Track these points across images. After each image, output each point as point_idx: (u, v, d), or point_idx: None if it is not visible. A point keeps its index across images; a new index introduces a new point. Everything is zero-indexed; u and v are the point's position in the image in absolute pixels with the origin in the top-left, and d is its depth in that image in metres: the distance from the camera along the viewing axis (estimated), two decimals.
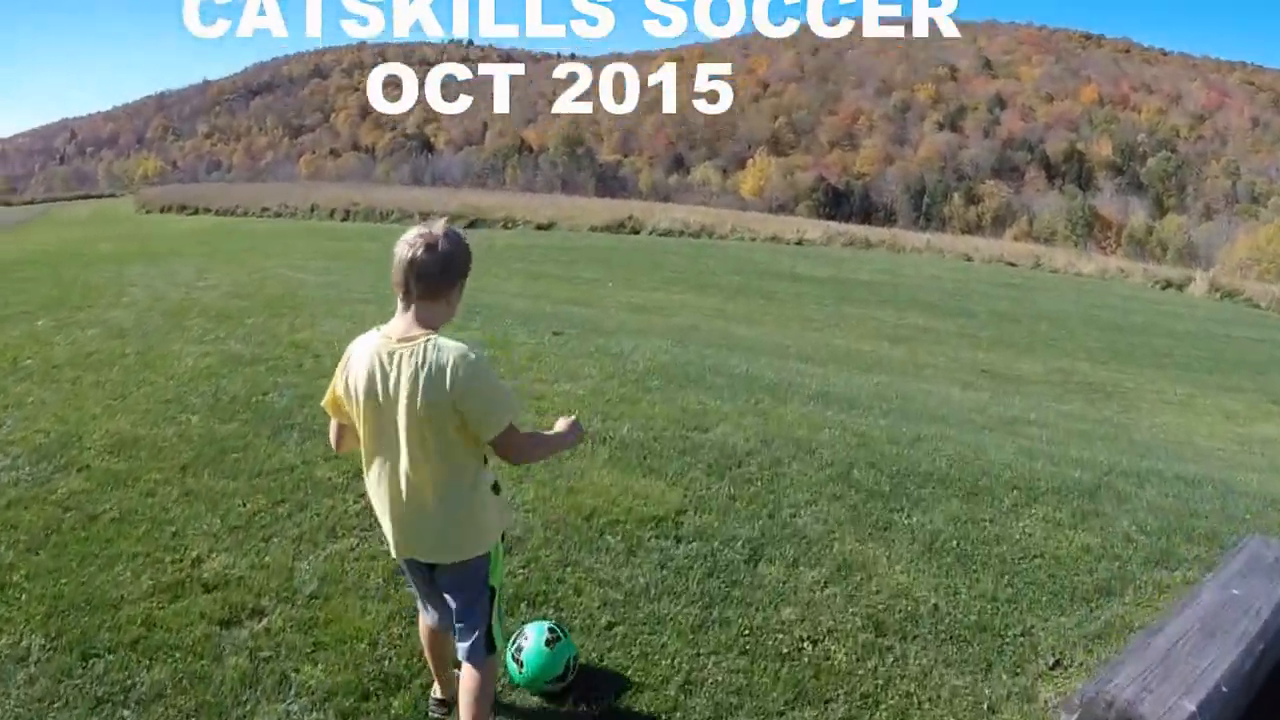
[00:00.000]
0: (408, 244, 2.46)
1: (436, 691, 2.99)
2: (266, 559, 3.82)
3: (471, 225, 32.69)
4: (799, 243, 32.81)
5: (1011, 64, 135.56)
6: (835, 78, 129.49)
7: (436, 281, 2.46)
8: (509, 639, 3.03)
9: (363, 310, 9.59)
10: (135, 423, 5.62)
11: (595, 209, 37.61)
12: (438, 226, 2.49)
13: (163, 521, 4.23)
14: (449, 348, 2.43)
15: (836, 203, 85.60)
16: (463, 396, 2.41)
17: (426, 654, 2.98)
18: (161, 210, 37.74)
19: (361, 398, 2.50)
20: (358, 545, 3.90)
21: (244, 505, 4.32)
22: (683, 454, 5.12)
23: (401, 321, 2.50)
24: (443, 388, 2.40)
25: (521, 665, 3.04)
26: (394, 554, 2.68)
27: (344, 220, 33.21)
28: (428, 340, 2.44)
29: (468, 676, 2.68)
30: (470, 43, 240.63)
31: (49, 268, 13.61)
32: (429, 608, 2.84)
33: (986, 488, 5.02)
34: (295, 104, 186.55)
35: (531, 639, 3.06)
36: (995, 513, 4.68)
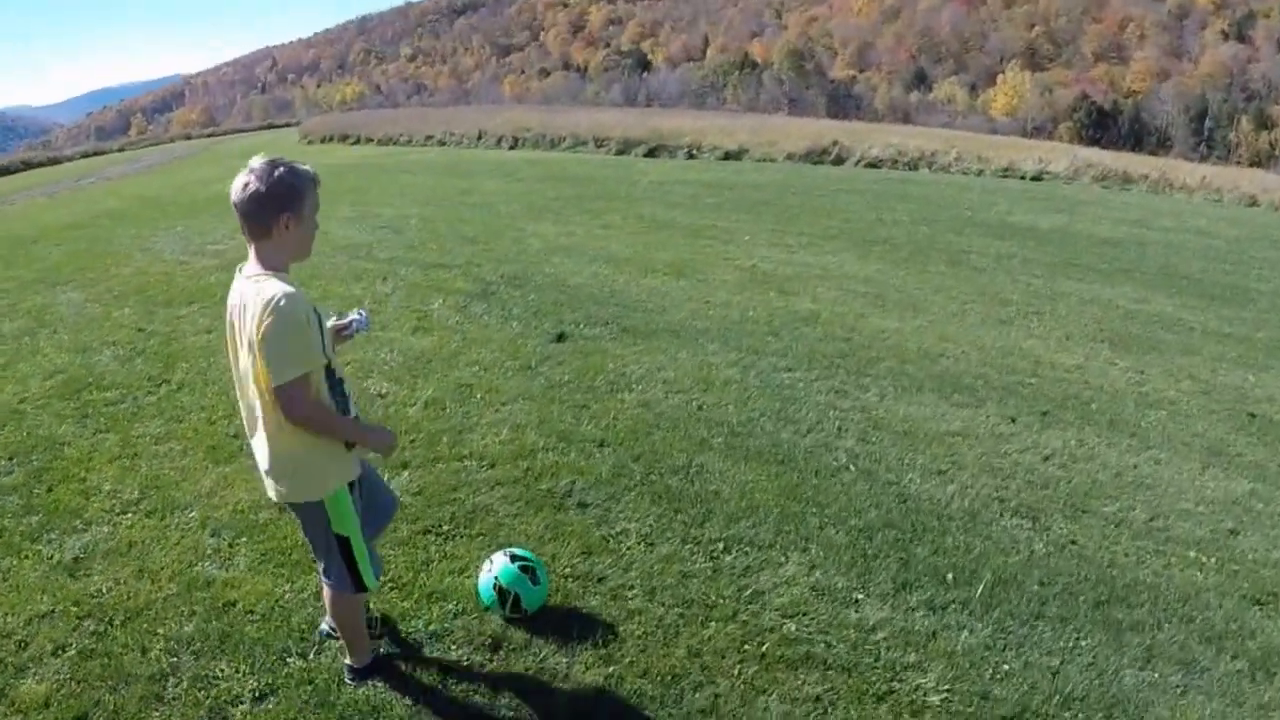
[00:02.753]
0: (232, 188, 2.44)
1: (348, 664, 2.94)
2: None
3: (651, 154, 29.86)
4: (1036, 177, 27.23)
5: None
6: None
7: (255, 220, 2.43)
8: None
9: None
10: None
11: (799, 132, 33.35)
12: (255, 162, 2.44)
13: None
14: (267, 291, 2.38)
15: (1102, 125, 74.51)
16: (260, 340, 2.39)
17: (342, 627, 2.91)
18: (323, 140, 36.68)
19: (227, 331, 2.57)
20: None
21: None
22: None
23: (250, 261, 2.50)
24: (253, 328, 2.41)
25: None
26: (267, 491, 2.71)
27: (511, 148, 30.92)
28: (261, 279, 2.43)
29: (333, 603, 2.79)
30: None
31: (113, 224, 12.69)
32: (325, 576, 2.82)
33: None
34: (502, 23, 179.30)
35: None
36: None
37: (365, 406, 5.09)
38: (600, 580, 3.37)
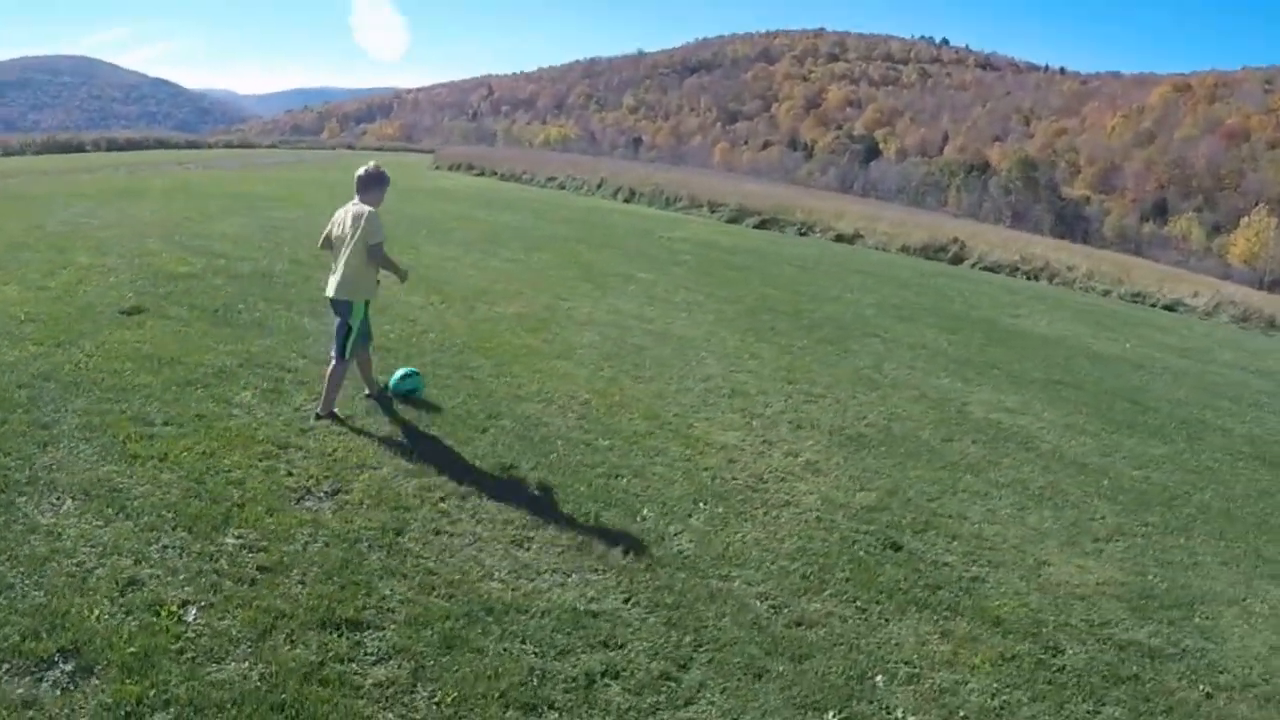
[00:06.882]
0: (358, 171, 5.68)
1: (318, 408, 5.62)
2: None
3: (761, 226, 29.37)
4: (1170, 307, 24.02)
5: None
6: None
7: (366, 185, 5.62)
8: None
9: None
10: None
11: (922, 225, 31.52)
12: (371, 163, 5.74)
13: None
14: (366, 211, 5.51)
15: None
16: (364, 226, 5.46)
17: (324, 383, 5.62)
18: (450, 168, 39.67)
19: (335, 222, 5.65)
20: None
21: None
22: None
23: (355, 201, 5.60)
24: (358, 222, 5.49)
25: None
26: (327, 293, 5.61)
27: (626, 201, 31.46)
28: (364, 207, 5.54)
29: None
30: (945, 41, 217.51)
31: (93, 198, 13.90)
32: (332, 350, 5.65)
33: None
34: (734, 87, 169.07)
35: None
36: None
37: None
38: None
